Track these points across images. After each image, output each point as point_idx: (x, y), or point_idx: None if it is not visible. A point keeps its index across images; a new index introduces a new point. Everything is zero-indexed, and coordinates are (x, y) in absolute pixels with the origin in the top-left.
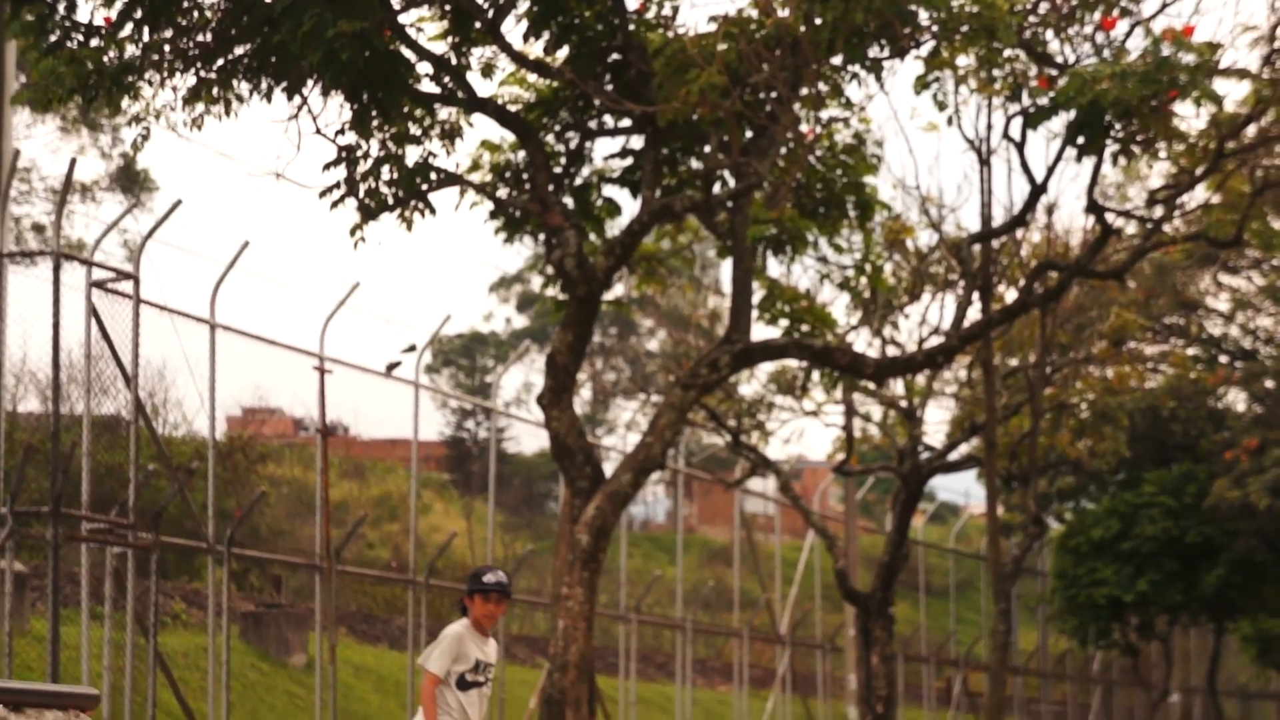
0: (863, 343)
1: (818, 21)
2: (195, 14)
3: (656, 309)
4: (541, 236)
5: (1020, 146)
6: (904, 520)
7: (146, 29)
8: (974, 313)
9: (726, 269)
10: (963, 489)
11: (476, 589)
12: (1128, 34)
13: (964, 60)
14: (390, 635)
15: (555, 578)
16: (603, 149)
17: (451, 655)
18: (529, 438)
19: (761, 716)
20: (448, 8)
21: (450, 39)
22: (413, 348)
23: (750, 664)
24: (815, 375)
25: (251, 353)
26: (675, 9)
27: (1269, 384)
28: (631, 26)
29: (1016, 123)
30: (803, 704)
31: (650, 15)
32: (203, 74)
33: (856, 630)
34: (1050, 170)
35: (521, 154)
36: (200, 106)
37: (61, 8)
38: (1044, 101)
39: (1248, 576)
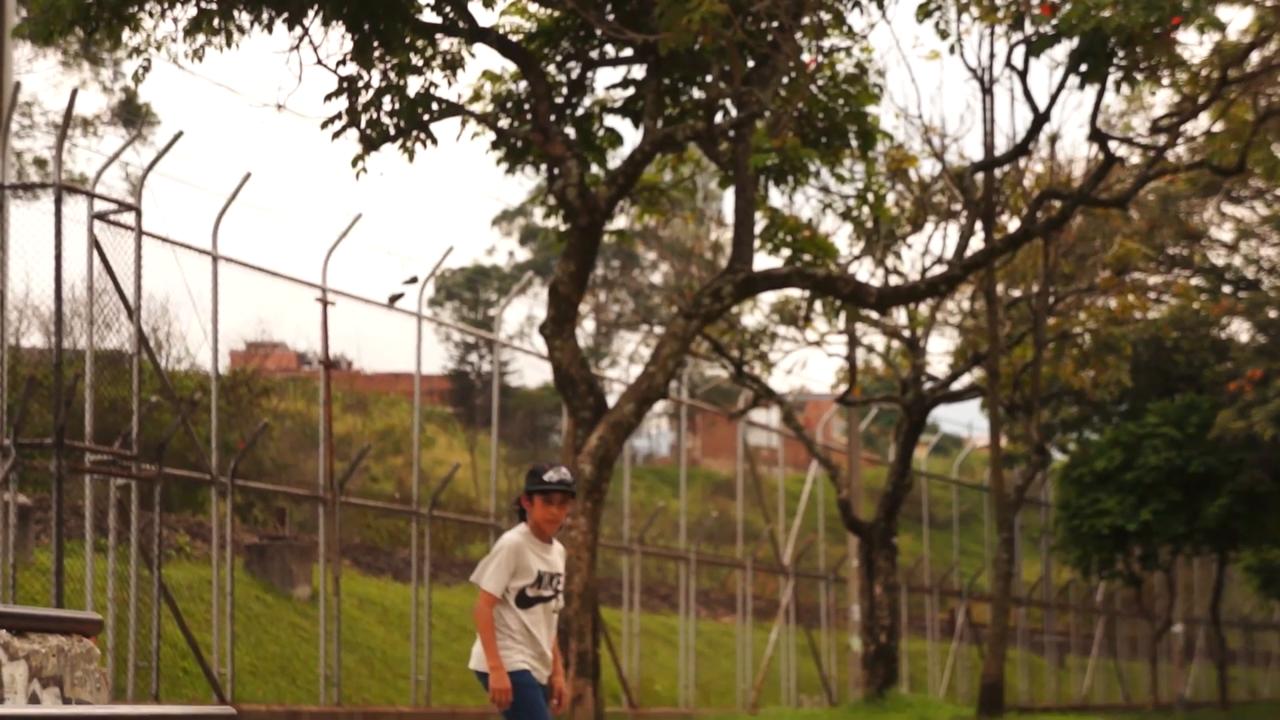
0: (865, 273)
1: None
2: None
3: (659, 241)
4: (543, 167)
5: (1023, 75)
6: (907, 450)
7: None
8: (977, 242)
9: (729, 200)
10: (966, 421)
11: (536, 489)
12: None
13: None
14: (394, 567)
15: None
16: (604, 79)
17: (509, 569)
18: (532, 371)
19: (765, 647)
20: None
21: None
22: (415, 279)
23: (754, 595)
24: (818, 305)
25: (254, 285)
26: None
27: (1272, 314)
28: None
29: (1019, 51)
30: (806, 635)
31: None
32: (203, 4)
33: (859, 561)
34: (1053, 99)
35: (523, 84)
36: (201, 38)
37: None
38: (1047, 29)
39: (1251, 507)
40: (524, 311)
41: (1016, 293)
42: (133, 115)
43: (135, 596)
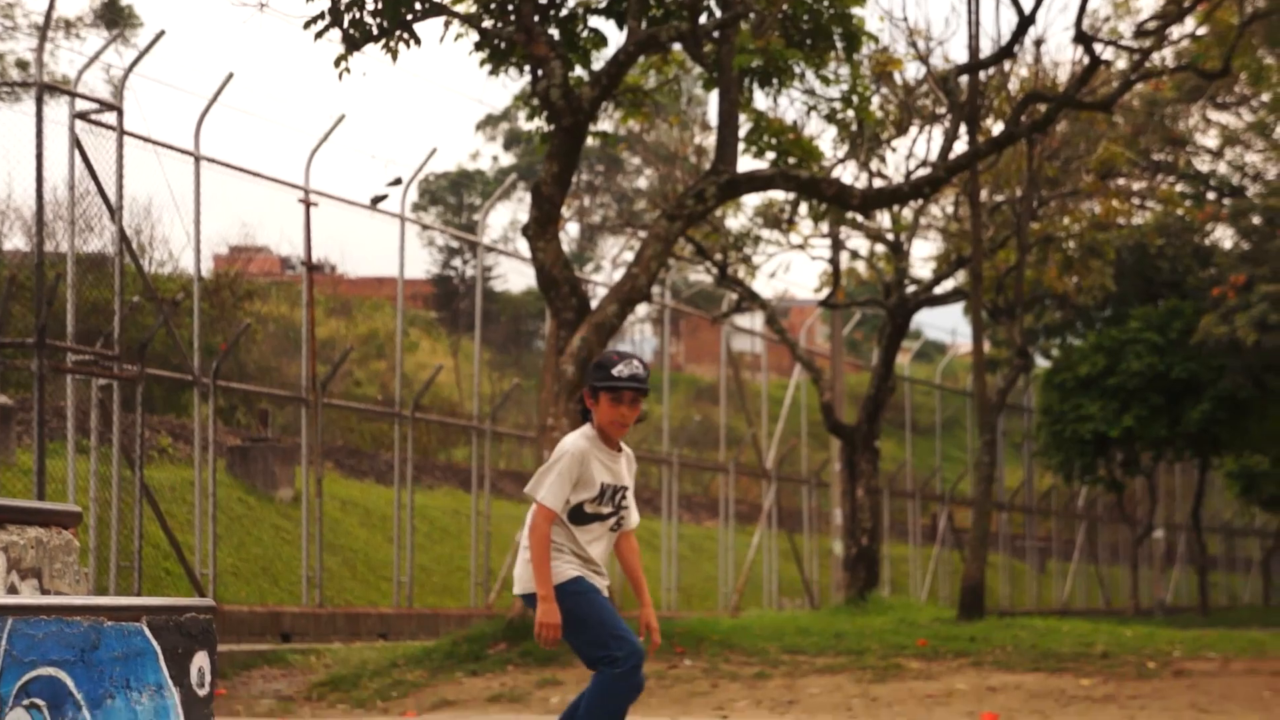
0: (849, 176)
1: None
2: None
3: (644, 146)
4: (527, 68)
5: None
6: (889, 354)
7: None
8: (961, 145)
9: (713, 105)
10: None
11: (603, 384)
12: None
13: None
14: (377, 470)
15: (541, 410)
16: None
17: (571, 479)
18: (516, 276)
19: (747, 551)
20: None
21: None
22: (398, 181)
23: (736, 500)
24: (802, 208)
25: (237, 188)
26: None
27: (1256, 220)
28: None
29: None
30: (788, 538)
31: None
32: None
33: (842, 464)
34: (1038, 1)
35: None
36: None
37: None
38: None
39: (1232, 413)
40: (508, 216)
41: (1000, 198)
42: (114, 16)
43: (117, 497)
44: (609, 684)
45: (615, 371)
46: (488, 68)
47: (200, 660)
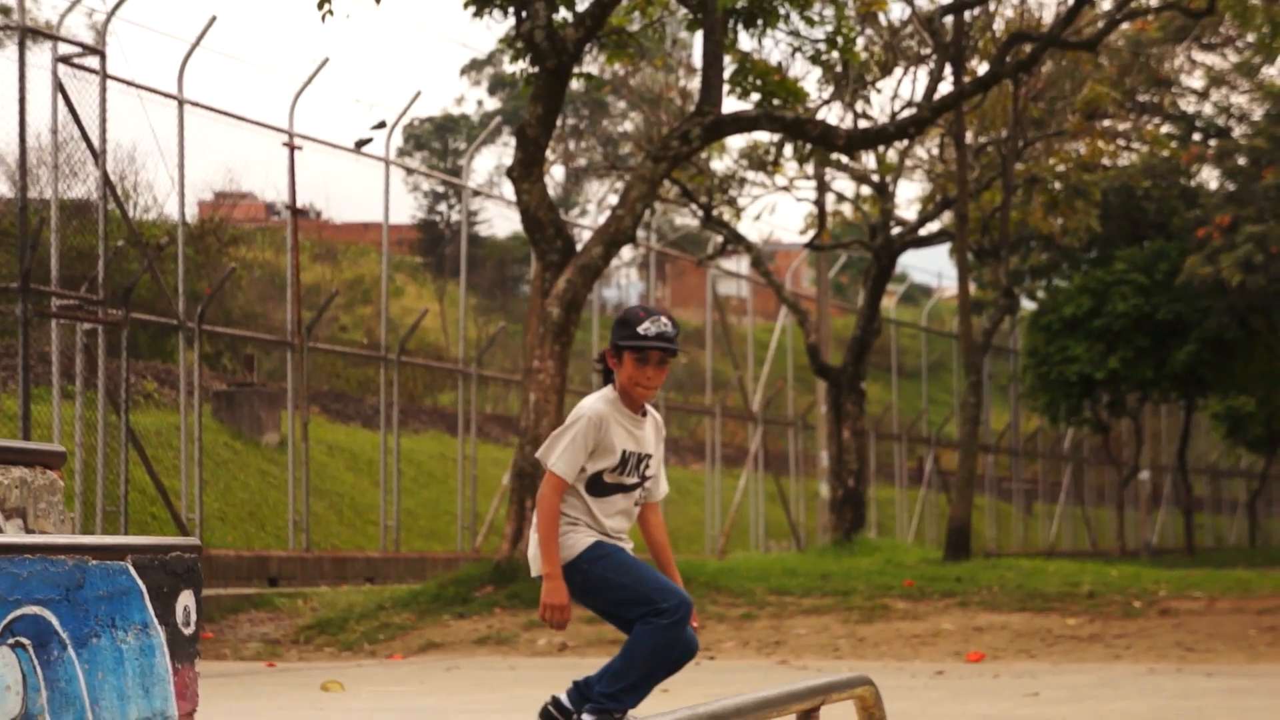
0: (834, 118)
1: None
2: None
3: (629, 90)
4: (511, 10)
5: None
6: (875, 295)
7: None
8: (946, 86)
9: (698, 46)
10: (935, 269)
11: (628, 343)
12: None
13: None
14: (363, 414)
15: (526, 352)
16: None
17: (587, 446)
18: (502, 221)
19: (733, 494)
20: None
21: None
22: (383, 124)
23: (723, 443)
24: (787, 150)
25: (221, 134)
26: None
27: (1242, 161)
28: None
29: None
30: (774, 481)
31: None
32: None
33: (828, 406)
34: None
35: None
36: None
37: None
38: None
39: (1218, 354)
40: (493, 161)
41: (985, 139)
42: None
43: (103, 442)
44: (658, 634)
45: (641, 329)
46: (471, 9)
47: (186, 599)
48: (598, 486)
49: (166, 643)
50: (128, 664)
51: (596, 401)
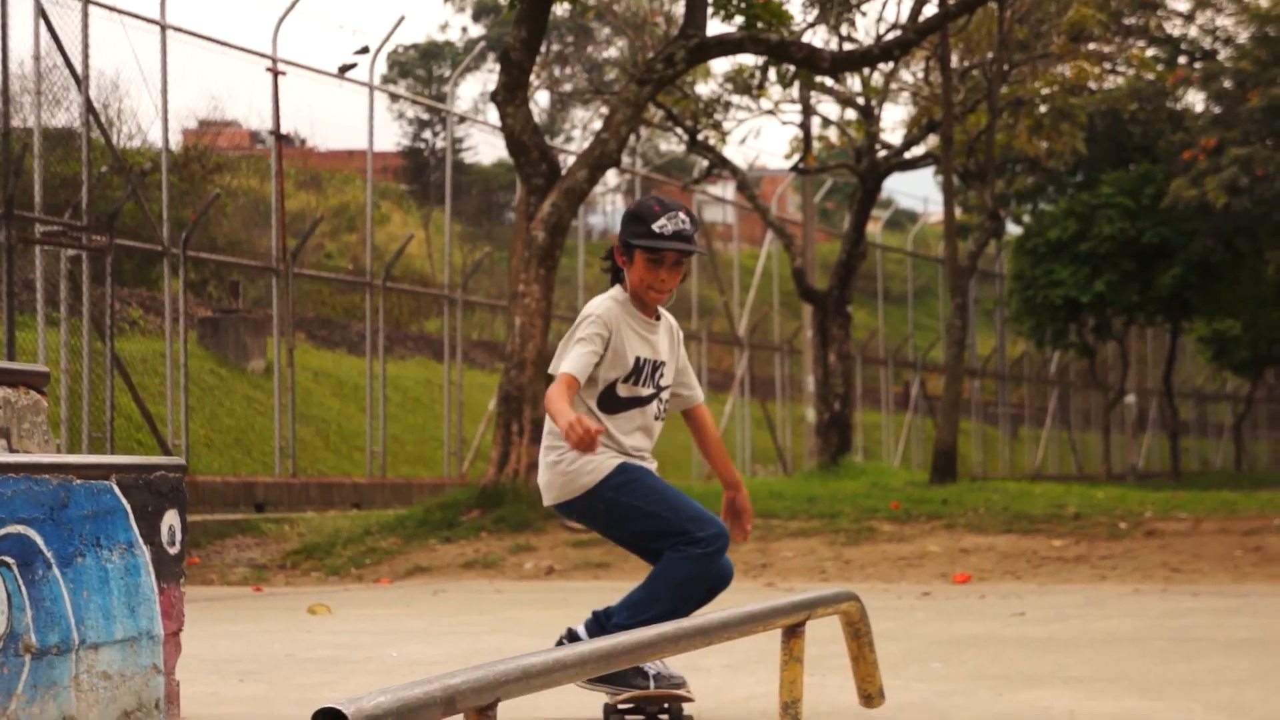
0: (819, 40)
1: None
2: None
3: (614, 15)
4: None
5: None
6: (861, 219)
7: None
8: (931, 8)
9: None
10: (921, 194)
11: (641, 242)
12: None
13: None
14: (349, 340)
15: (511, 276)
16: None
17: (597, 347)
18: (487, 148)
19: (720, 419)
20: None
21: None
22: (366, 49)
23: (709, 368)
24: (772, 74)
25: (205, 60)
26: None
27: (1227, 84)
28: None
29: None
30: (761, 406)
31: None
32: None
33: (814, 330)
34: None
35: None
36: None
37: None
38: None
39: (1203, 277)
40: (478, 88)
41: (970, 62)
42: None
43: (88, 368)
44: (691, 564)
45: (657, 227)
46: None
47: (171, 519)
48: (611, 401)
49: (151, 562)
50: (113, 583)
51: (605, 300)
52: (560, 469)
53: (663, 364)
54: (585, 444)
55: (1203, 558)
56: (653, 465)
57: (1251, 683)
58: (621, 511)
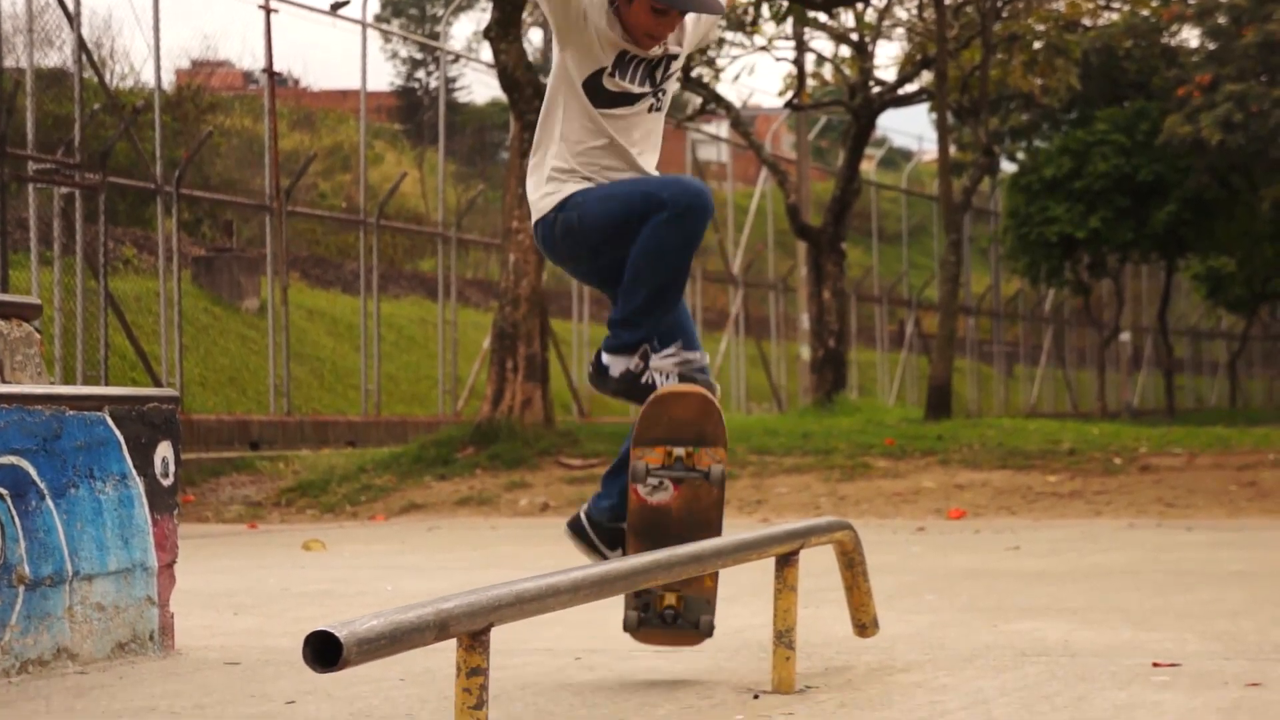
0: None
1: None
2: None
3: None
4: None
5: None
6: (855, 155)
7: None
8: None
9: None
10: (915, 132)
11: None
12: None
13: None
14: (343, 279)
15: (505, 213)
16: None
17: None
18: (481, 88)
19: (714, 357)
20: None
21: None
22: None
23: (703, 307)
24: (765, 9)
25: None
26: None
27: (1222, 20)
28: None
29: None
30: (756, 345)
31: None
32: None
33: (808, 267)
34: None
35: None
36: None
37: None
38: None
39: (1198, 214)
40: (471, 27)
41: None
42: None
43: (82, 307)
44: (658, 231)
45: None
46: None
47: (164, 450)
48: (598, 94)
49: (145, 494)
50: (106, 514)
51: None
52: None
53: (668, 59)
54: None
55: (1197, 492)
56: None
57: (1245, 614)
58: (585, 221)
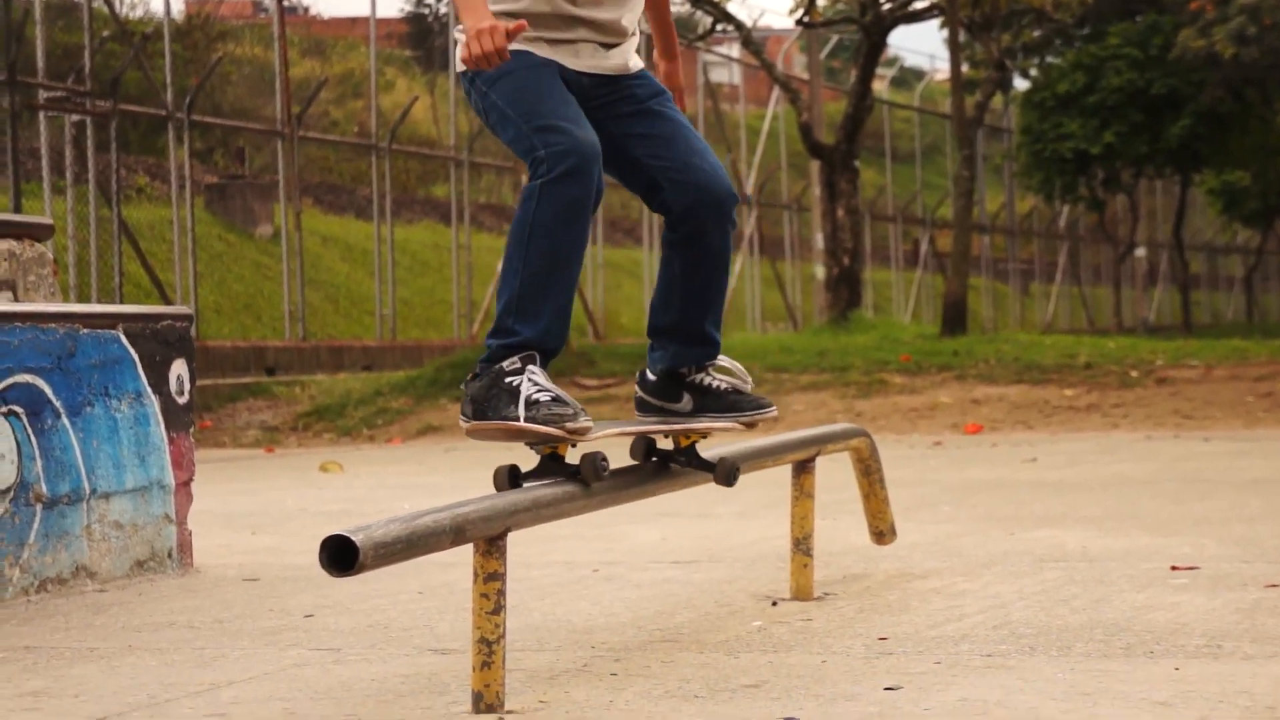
0: None
1: None
2: None
3: None
4: None
5: None
6: (867, 73)
7: None
8: None
9: None
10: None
11: None
12: None
13: None
14: (356, 205)
15: None
16: None
17: None
18: None
19: (730, 279)
20: None
21: None
22: None
23: None
24: None
25: None
26: None
27: None
28: None
29: None
30: (770, 265)
31: None
32: None
33: (821, 185)
34: None
35: None
36: None
37: None
38: None
39: (1213, 128)
40: None
41: None
42: None
43: (95, 235)
44: (528, 204)
45: None
46: None
47: (179, 368)
48: None
49: (160, 411)
50: (122, 432)
51: None
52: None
53: None
54: (488, 60)
55: (1214, 404)
56: (589, 64)
57: (1263, 520)
58: (489, 115)
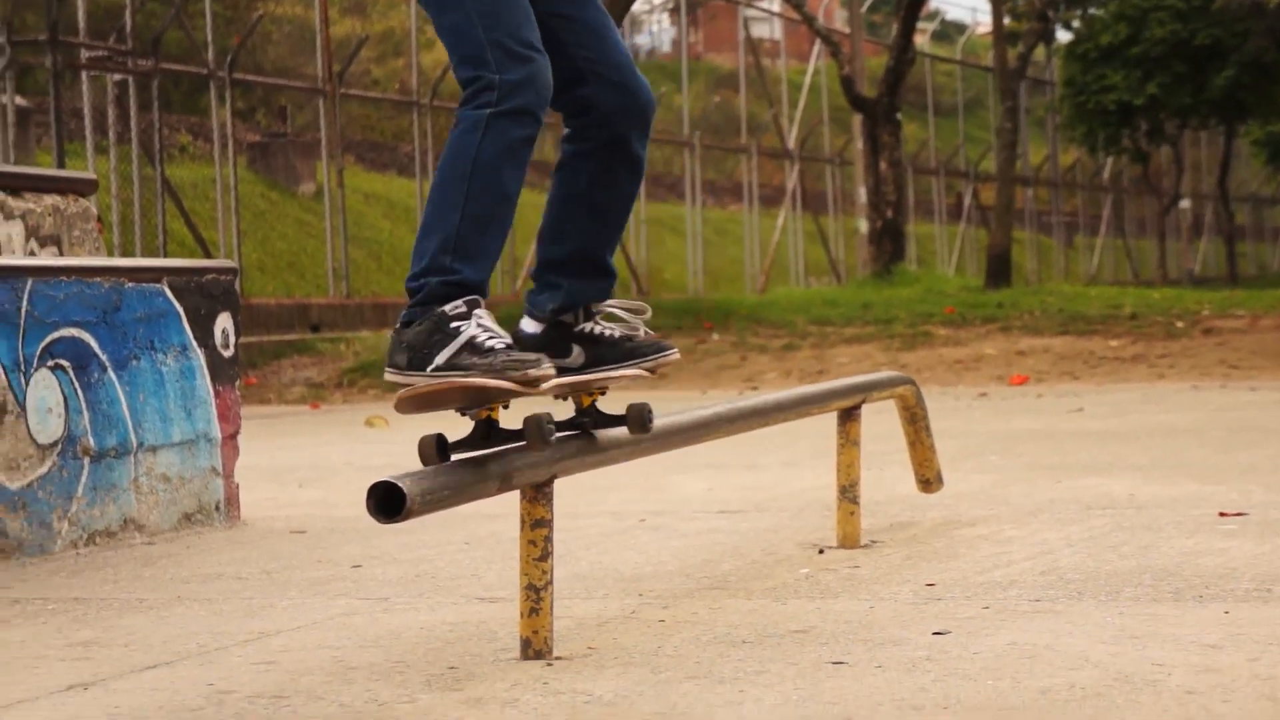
0: None
1: None
2: None
3: None
4: None
5: None
6: (908, 24)
7: None
8: None
9: None
10: (969, 3)
11: None
12: None
13: None
14: (398, 162)
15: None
16: None
17: None
18: None
19: (772, 234)
20: None
21: None
22: None
23: (760, 184)
24: None
25: None
26: None
27: None
28: None
29: None
30: (814, 220)
31: None
32: None
33: (864, 138)
34: None
35: None
36: None
37: None
38: None
39: (1257, 78)
40: None
41: None
42: None
43: (139, 194)
44: (470, 131)
45: None
46: None
47: (224, 322)
48: None
49: (206, 365)
50: (168, 386)
51: None
52: None
53: None
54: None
55: (1260, 354)
56: None
57: None
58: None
